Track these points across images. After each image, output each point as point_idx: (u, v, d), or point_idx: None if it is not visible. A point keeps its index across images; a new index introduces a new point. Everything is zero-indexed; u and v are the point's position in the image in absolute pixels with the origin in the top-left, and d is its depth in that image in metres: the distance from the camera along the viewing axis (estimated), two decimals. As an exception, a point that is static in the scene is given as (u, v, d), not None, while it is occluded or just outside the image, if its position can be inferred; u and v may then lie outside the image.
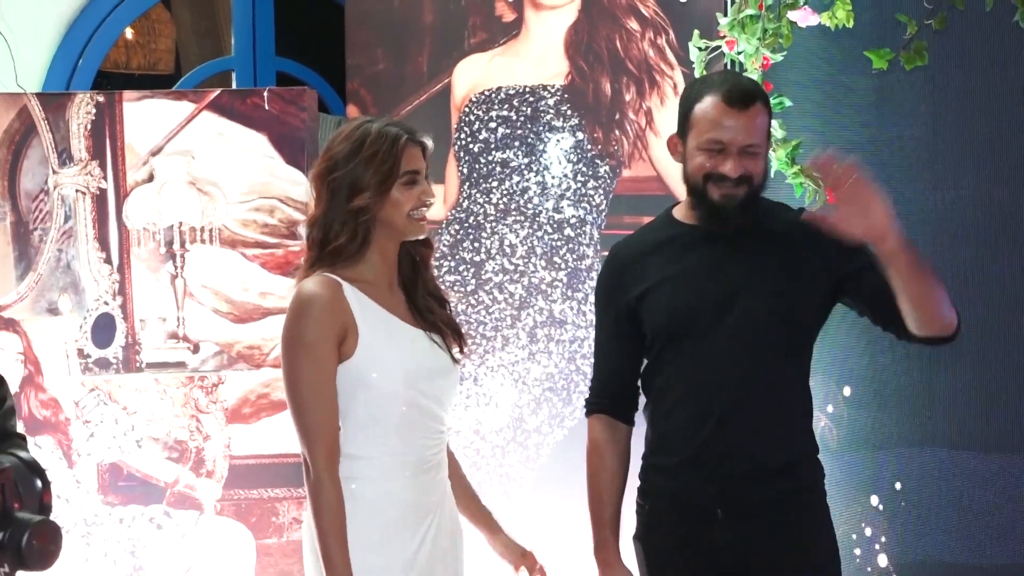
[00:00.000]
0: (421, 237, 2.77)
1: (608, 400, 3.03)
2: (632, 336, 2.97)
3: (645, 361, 2.99)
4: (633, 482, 3.01)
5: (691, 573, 2.92)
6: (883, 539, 3.78)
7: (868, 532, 3.80)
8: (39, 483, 2.49)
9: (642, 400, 3.03)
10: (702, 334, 2.85)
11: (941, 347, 3.43)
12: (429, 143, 2.76)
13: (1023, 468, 3.59)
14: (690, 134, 2.85)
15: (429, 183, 2.75)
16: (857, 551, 3.83)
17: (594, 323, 3.08)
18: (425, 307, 2.80)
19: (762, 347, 2.83)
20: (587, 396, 3.09)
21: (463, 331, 2.86)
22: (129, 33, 6.41)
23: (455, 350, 2.81)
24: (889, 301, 2.73)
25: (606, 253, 4.09)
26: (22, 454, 2.50)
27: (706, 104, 2.82)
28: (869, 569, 3.81)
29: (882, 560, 3.80)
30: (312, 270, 2.71)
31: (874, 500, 3.80)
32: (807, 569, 2.90)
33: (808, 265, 2.85)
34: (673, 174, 4.03)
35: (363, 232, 2.69)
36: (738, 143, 2.79)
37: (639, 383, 3.02)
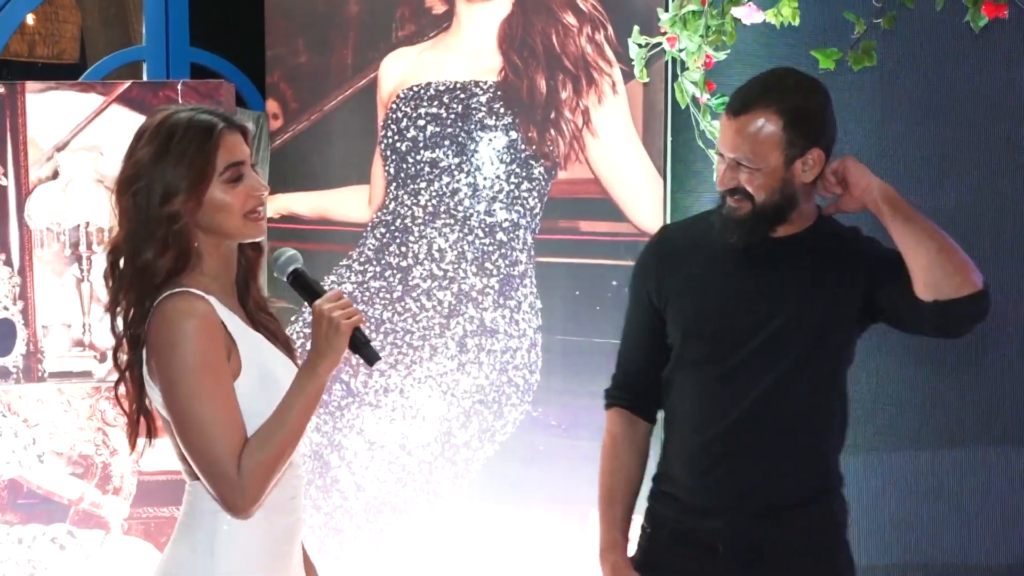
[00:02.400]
0: (261, 238, 2.48)
1: (629, 394, 2.88)
2: (660, 330, 2.81)
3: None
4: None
5: None
6: None
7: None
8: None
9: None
10: (724, 352, 2.69)
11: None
12: (250, 126, 2.54)
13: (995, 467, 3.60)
14: None
15: (256, 172, 2.45)
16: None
17: (626, 307, 2.92)
18: (260, 319, 2.52)
19: (784, 371, 2.66)
20: (607, 387, 2.93)
21: (293, 343, 2.63)
22: (31, 19, 6.19)
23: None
24: (906, 290, 2.57)
25: (540, 259, 4.14)
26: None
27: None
28: None
29: None
30: (155, 295, 2.34)
31: None
32: None
33: (845, 285, 2.68)
34: (610, 177, 4.05)
35: (178, 244, 2.35)
36: (726, 152, 2.65)
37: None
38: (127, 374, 2.39)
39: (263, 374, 2.40)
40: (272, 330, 2.53)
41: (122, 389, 2.43)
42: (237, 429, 2.31)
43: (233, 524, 2.39)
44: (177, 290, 2.33)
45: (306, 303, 2.41)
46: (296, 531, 2.52)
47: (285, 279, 2.43)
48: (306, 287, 2.41)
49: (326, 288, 2.45)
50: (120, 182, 2.37)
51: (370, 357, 2.38)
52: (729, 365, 2.67)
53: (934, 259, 2.52)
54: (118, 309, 2.39)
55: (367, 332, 2.46)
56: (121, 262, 2.36)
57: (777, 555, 2.68)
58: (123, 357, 2.40)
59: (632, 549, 2.86)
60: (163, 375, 2.31)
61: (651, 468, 2.88)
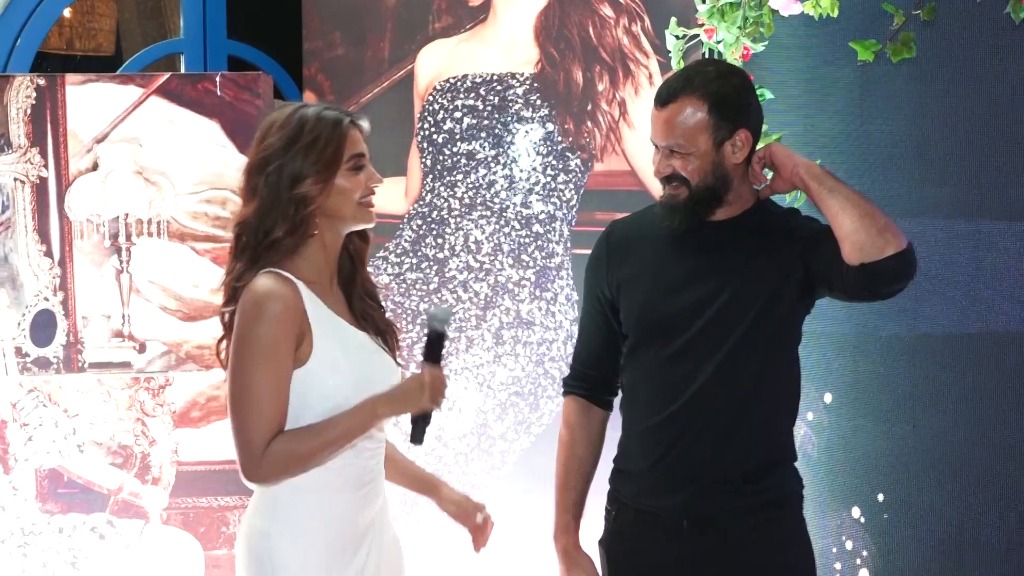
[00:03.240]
0: (371, 225, 2.67)
1: (585, 383, 3.00)
2: (613, 321, 2.93)
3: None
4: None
5: None
6: (864, 553, 3.71)
7: (849, 545, 3.73)
8: None
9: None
10: (674, 334, 2.80)
11: (928, 350, 3.32)
12: (366, 125, 2.64)
13: (1012, 479, 3.49)
14: None
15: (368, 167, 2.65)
16: (837, 565, 3.76)
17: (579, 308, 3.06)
18: (363, 307, 2.69)
19: (731, 348, 2.76)
20: (565, 375, 3.05)
21: (397, 332, 2.79)
22: (67, 12, 6.22)
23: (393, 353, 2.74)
24: (836, 257, 2.70)
25: (576, 251, 4.16)
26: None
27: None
28: (851, 584, 3.71)
29: (863, 574, 3.69)
30: (255, 267, 2.55)
31: (855, 512, 3.71)
32: None
33: (779, 259, 2.80)
34: (647, 169, 3.96)
35: (304, 225, 2.55)
36: (659, 141, 2.79)
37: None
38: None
39: (334, 360, 2.54)
40: (374, 318, 2.69)
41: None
42: (277, 411, 2.48)
43: (294, 498, 2.55)
44: (269, 269, 2.52)
45: (424, 356, 2.60)
46: (364, 509, 2.62)
47: (430, 328, 2.59)
48: (436, 350, 2.60)
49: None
50: (251, 166, 2.58)
51: (417, 437, 2.61)
52: (678, 347, 2.78)
53: (858, 224, 2.66)
54: (238, 281, 2.57)
55: (432, 423, 2.65)
56: (246, 236, 2.56)
57: (735, 526, 2.78)
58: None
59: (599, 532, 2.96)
60: (232, 343, 2.53)
61: (611, 451, 2.95)
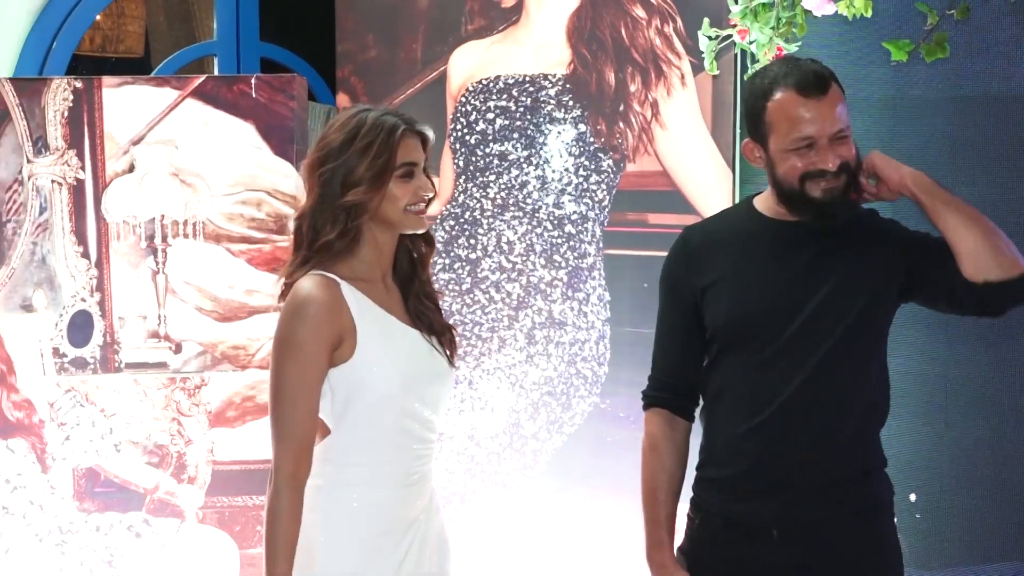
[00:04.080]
0: (420, 231, 2.69)
1: (668, 394, 2.90)
2: (696, 328, 2.86)
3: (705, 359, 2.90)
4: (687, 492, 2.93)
5: None
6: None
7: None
8: None
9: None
10: (766, 338, 2.74)
11: (960, 352, 3.33)
12: (430, 133, 2.66)
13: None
14: (771, 137, 2.71)
15: (430, 176, 2.66)
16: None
17: (658, 309, 2.97)
18: (419, 307, 2.72)
19: (825, 353, 2.71)
20: (644, 388, 2.96)
21: (455, 335, 2.80)
22: (98, 16, 6.28)
23: (448, 355, 2.76)
24: (948, 271, 2.67)
25: (608, 251, 4.16)
26: None
27: (780, 101, 2.68)
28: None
29: None
30: (304, 267, 2.61)
31: None
32: None
33: (879, 262, 2.75)
34: (679, 169, 4.05)
35: (354, 227, 2.59)
36: (827, 133, 2.66)
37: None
38: None
39: (378, 357, 2.58)
40: (430, 319, 2.71)
41: None
42: (305, 413, 2.55)
43: (336, 491, 2.60)
44: (315, 272, 2.59)
45: None
46: (407, 505, 2.65)
47: None
48: None
49: None
50: (310, 163, 2.62)
51: None
52: (770, 352, 2.72)
53: (981, 243, 2.62)
54: (288, 279, 2.63)
55: None
56: (303, 229, 2.62)
57: (828, 534, 2.73)
58: None
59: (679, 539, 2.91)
60: (273, 343, 2.59)
61: (692, 459, 2.91)
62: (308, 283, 2.57)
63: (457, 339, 2.79)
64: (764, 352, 2.73)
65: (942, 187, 2.68)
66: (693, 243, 2.88)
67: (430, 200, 2.67)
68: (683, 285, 2.86)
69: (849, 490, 2.75)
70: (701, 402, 2.90)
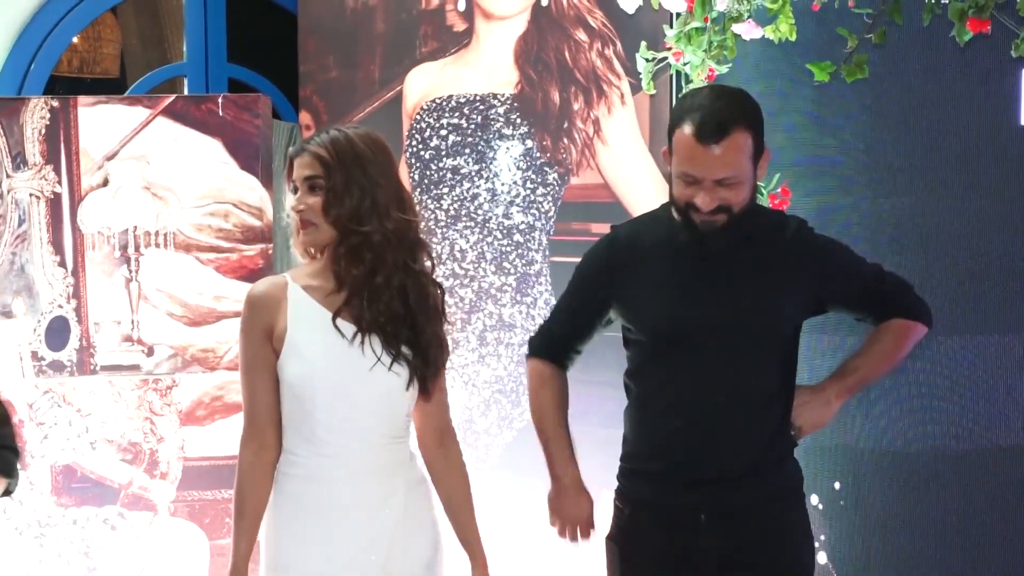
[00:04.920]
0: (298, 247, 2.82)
1: (554, 353, 3.08)
2: (598, 316, 3.01)
3: (629, 363, 3.01)
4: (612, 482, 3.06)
5: None
6: (822, 537, 3.82)
7: (808, 531, 3.82)
8: None
9: (623, 403, 3.06)
10: (695, 346, 2.84)
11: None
12: (312, 149, 2.73)
13: (965, 470, 3.63)
14: (672, 157, 2.79)
15: (306, 190, 2.74)
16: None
17: (569, 281, 3.09)
18: (374, 311, 2.73)
19: (751, 361, 2.85)
20: (532, 336, 3.13)
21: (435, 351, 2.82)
22: (75, 39, 6.36)
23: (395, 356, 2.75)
24: (867, 306, 2.97)
25: (554, 259, 4.11)
26: None
27: (680, 136, 2.73)
28: (809, 566, 3.84)
29: (821, 558, 3.83)
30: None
31: (814, 499, 3.84)
32: (790, 573, 2.94)
33: (797, 281, 2.88)
34: (619, 182, 4.07)
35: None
36: (710, 178, 2.71)
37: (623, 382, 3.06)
38: None
39: (297, 348, 2.68)
40: (375, 323, 2.72)
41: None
42: (253, 400, 2.72)
43: (287, 479, 2.73)
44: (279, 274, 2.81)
45: None
46: (369, 495, 2.73)
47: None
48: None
49: None
50: None
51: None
52: (698, 355, 2.84)
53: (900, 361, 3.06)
54: None
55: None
56: None
57: (750, 517, 2.88)
58: None
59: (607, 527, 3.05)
60: None
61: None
62: (258, 282, 2.80)
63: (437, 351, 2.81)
64: (693, 355, 2.85)
65: (851, 381, 2.97)
66: (617, 247, 2.96)
67: (303, 215, 2.71)
68: (597, 285, 2.97)
69: (767, 477, 2.90)
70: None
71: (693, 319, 2.84)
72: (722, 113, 2.70)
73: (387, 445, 2.77)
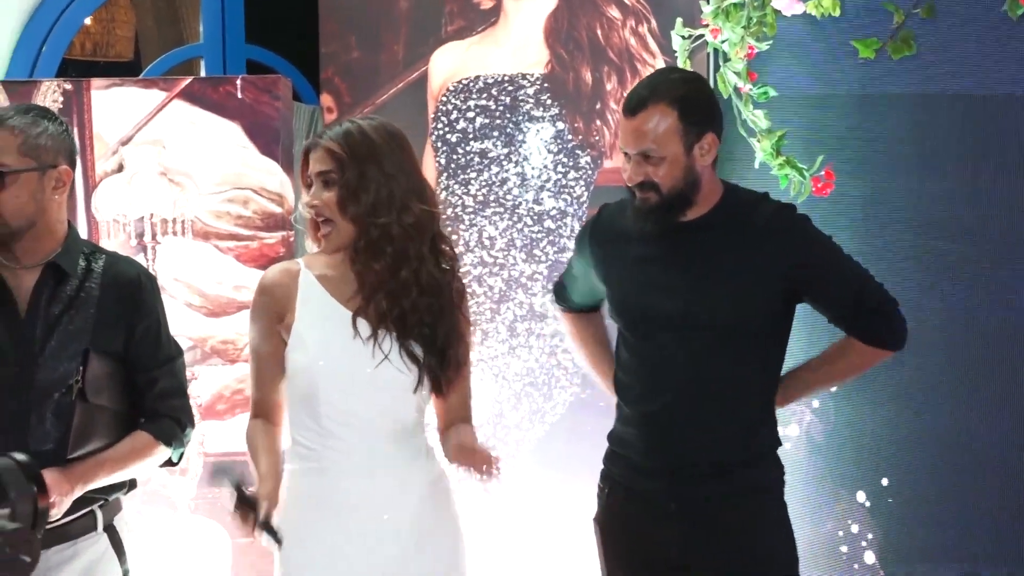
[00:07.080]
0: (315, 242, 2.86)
1: (579, 308, 3.28)
2: (593, 285, 3.13)
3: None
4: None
5: (643, 563, 2.97)
6: (870, 536, 3.76)
7: (855, 529, 3.77)
8: (34, 488, 2.49)
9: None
10: (650, 328, 2.92)
11: (933, 340, 3.41)
12: (324, 143, 2.75)
13: (1015, 463, 3.55)
14: None
15: (321, 186, 2.76)
16: (844, 548, 3.80)
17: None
18: (390, 304, 2.72)
19: (712, 348, 2.86)
20: (558, 293, 3.31)
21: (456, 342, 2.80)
22: (88, 21, 6.30)
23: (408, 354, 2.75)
24: (840, 315, 2.98)
25: None
26: (19, 456, 2.49)
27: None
28: (856, 566, 3.78)
29: (869, 557, 3.77)
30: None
31: (860, 496, 3.77)
32: (758, 570, 2.94)
33: (764, 268, 2.87)
34: None
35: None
36: (630, 150, 2.85)
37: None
38: None
39: (302, 337, 2.71)
40: (394, 320, 2.71)
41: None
42: (256, 370, 2.81)
43: (291, 469, 2.77)
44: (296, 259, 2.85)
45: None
46: (372, 492, 2.72)
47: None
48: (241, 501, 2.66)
49: None
50: None
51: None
52: (658, 342, 2.90)
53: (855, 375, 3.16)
54: None
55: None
56: None
57: (718, 510, 2.89)
58: None
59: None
60: None
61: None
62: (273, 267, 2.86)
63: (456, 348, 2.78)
64: (655, 342, 2.90)
65: (788, 396, 3.05)
66: (598, 228, 3.08)
67: (318, 211, 2.75)
68: (586, 257, 3.10)
69: (739, 472, 2.91)
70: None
71: (646, 307, 2.92)
72: (647, 88, 2.85)
73: (397, 440, 2.77)
